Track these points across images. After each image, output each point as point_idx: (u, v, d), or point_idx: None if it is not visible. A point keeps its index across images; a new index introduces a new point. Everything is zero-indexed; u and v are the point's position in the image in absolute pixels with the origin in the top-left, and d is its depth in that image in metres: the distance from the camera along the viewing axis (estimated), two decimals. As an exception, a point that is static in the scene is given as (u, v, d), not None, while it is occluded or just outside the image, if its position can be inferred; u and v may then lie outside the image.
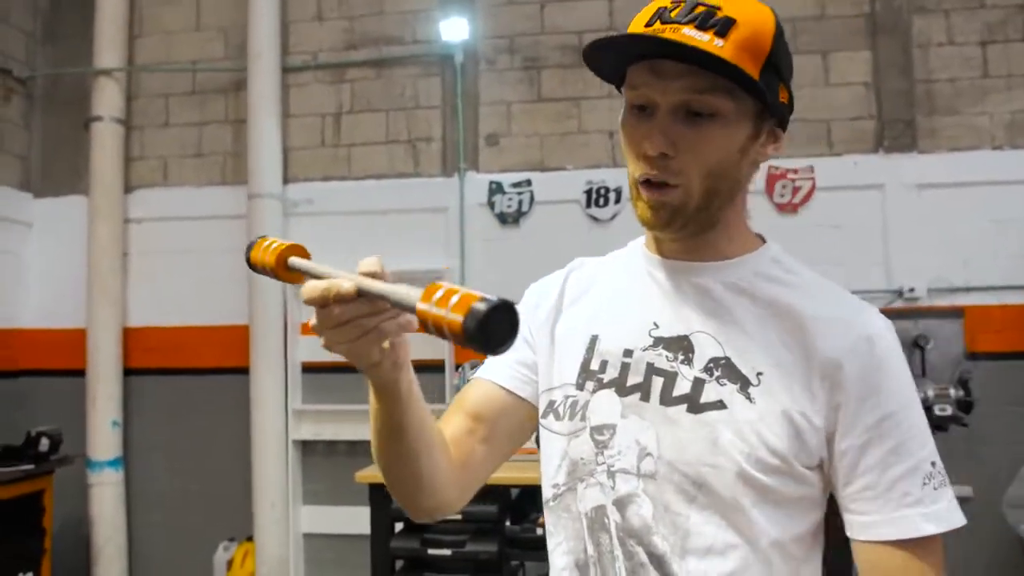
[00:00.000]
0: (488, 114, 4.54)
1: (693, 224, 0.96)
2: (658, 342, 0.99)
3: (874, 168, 4.21)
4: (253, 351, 4.45)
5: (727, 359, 0.94)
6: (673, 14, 0.90)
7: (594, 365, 1.01)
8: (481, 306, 0.61)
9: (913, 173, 4.18)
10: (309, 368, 4.47)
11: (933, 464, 0.92)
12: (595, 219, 4.38)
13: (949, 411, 3.59)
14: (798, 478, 0.93)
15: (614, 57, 0.94)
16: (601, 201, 4.39)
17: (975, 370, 3.83)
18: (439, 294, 0.64)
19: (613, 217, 4.36)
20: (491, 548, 3.21)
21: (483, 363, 1.12)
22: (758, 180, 4.18)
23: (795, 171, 4.23)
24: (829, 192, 4.23)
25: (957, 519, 0.91)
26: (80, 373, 4.66)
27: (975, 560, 3.76)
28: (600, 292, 1.09)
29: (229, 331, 4.53)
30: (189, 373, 4.65)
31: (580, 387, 1.01)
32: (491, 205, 4.45)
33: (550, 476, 1.03)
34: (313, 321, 0.79)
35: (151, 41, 5.00)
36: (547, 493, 1.04)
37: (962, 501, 0.94)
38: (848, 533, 0.95)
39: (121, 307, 4.75)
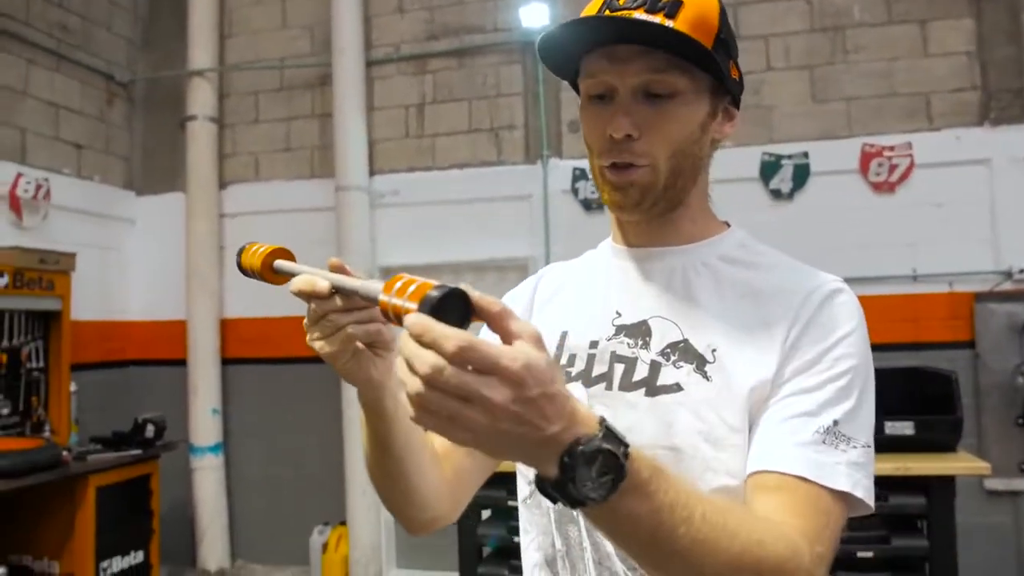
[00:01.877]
0: (570, 100, 4.50)
1: (661, 203, 0.96)
2: (620, 330, 0.99)
3: (979, 142, 3.99)
4: (343, 340, 4.55)
5: (685, 341, 0.94)
6: (621, 1, 0.91)
7: (564, 360, 1.01)
8: (434, 293, 0.62)
9: (1022, 146, 3.94)
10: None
11: (835, 423, 0.86)
12: (681, 203, 4.30)
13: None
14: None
15: (569, 46, 0.94)
16: (687, 185, 4.30)
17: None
18: (398, 284, 0.65)
19: (699, 201, 4.27)
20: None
21: None
22: (851, 159, 4.05)
23: (891, 148, 4.05)
24: (929, 169, 4.03)
25: (835, 481, 0.83)
26: (181, 363, 4.87)
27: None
28: (569, 291, 1.09)
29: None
30: (283, 362, 4.80)
31: None
32: (575, 192, 4.42)
33: (524, 474, 1.03)
34: (304, 323, 0.83)
35: (240, 41, 5.15)
36: (523, 491, 1.05)
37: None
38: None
39: (218, 299, 4.93)
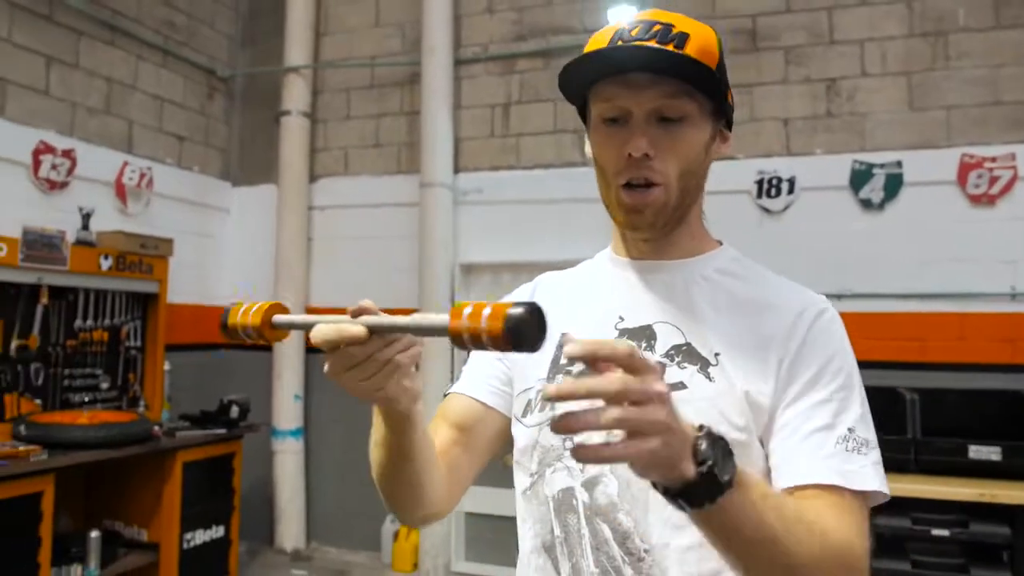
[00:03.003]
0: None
1: (670, 222, 1.04)
2: (623, 333, 1.04)
3: (1088, 155, 3.79)
4: (421, 334, 4.64)
5: (688, 344, 1.01)
6: (633, 33, 0.99)
7: (563, 360, 1.05)
8: (516, 311, 0.68)
9: None
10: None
11: (850, 430, 0.94)
12: (766, 210, 4.22)
13: None
14: (755, 452, 0.96)
15: (589, 74, 1.01)
16: (773, 191, 4.22)
17: None
18: (468, 310, 0.71)
19: (786, 208, 4.19)
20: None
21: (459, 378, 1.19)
22: (948, 169, 3.90)
23: (993, 159, 3.88)
24: (1033, 181, 3.85)
25: (864, 482, 0.91)
26: (268, 349, 5.05)
27: None
28: (568, 297, 1.14)
29: (399, 314, 4.73)
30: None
31: (550, 381, 1.06)
32: (657, 195, 4.39)
33: (525, 466, 1.08)
34: (327, 367, 0.80)
35: (335, 39, 5.30)
36: (523, 483, 1.08)
37: None
38: (774, 485, 0.95)
39: (304, 288, 5.10)
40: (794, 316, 0.99)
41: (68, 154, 4.16)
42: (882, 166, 4.04)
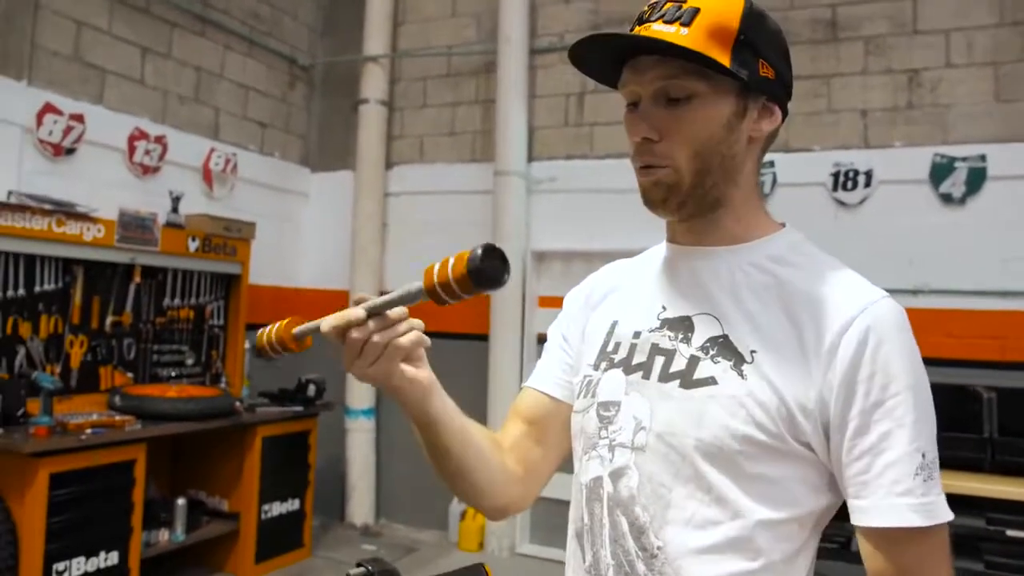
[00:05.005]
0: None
1: (692, 203, 0.99)
2: (664, 323, 1.02)
3: None
4: (493, 320, 4.73)
5: (725, 337, 0.96)
6: (648, 14, 0.97)
7: (610, 347, 1.06)
8: (475, 251, 0.77)
9: None
10: (545, 340, 4.65)
11: (924, 456, 0.88)
12: (842, 203, 4.17)
13: None
14: (791, 457, 0.91)
15: (601, 60, 1.00)
16: (849, 184, 4.16)
17: None
18: (436, 268, 0.80)
19: (862, 201, 4.13)
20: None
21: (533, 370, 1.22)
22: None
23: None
24: None
25: (945, 513, 0.88)
26: (343, 330, 5.19)
27: None
28: (627, 285, 1.14)
29: (473, 300, 4.81)
30: (435, 336, 5.00)
31: (596, 368, 1.07)
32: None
33: (575, 452, 1.09)
34: (343, 361, 0.92)
35: (412, 28, 5.40)
36: (574, 469, 1.09)
37: None
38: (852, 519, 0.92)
39: (378, 273, 5.23)
40: (844, 323, 0.90)
41: (160, 140, 4.36)
42: (964, 160, 3.94)
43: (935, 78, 4.05)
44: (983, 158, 3.91)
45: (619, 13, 4.75)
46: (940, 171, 3.99)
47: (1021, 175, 3.85)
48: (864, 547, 0.91)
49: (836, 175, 4.18)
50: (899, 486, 0.87)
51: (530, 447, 1.14)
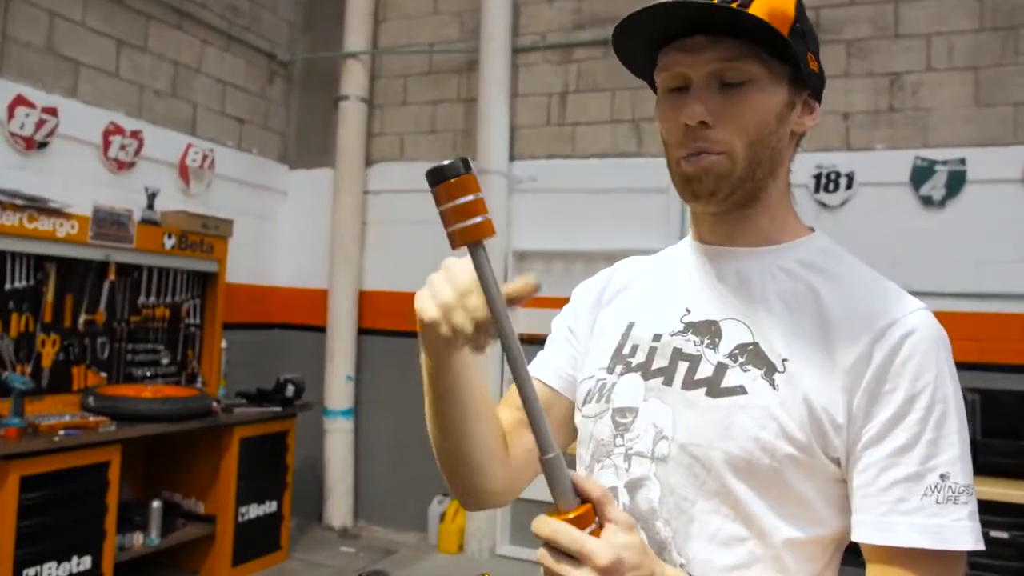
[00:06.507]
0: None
1: (738, 194, 0.93)
2: (688, 327, 0.97)
3: None
4: (473, 319, 4.69)
5: (755, 344, 0.91)
6: None
7: (626, 350, 1.00)
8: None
9: None
10: (526, 340, 4.59)
11: (943, 477, 0.81)
12: (824, 205, 4.18)
13: None
14: (820, 473, 0.86)
15: (636, 42, 0.93)
16: (831, 186, 4.17)
17: None
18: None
19: (843, 203, 4.14)
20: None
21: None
22: (1014, 167, 3.81)
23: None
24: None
25: (959, 540, 0.80)
26: (321, 329, 5.15)
27: None
28: (643, 284, 1.08)
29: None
30: (416, 336, 4.97)
31: (610, 371, 1.00)
32: (712, 187, 4.36)
33: (582, 457, 1.03)
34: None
35: (393, 25, 5.35)
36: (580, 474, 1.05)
37: None
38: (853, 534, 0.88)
39: (358, 271, 5.18)
40: (877, 333, 0.86)
41: (136, 135, 4.28)
42: (945, 163, 3.97)
43: (916, 82, 4.08)
44: (963, 161, 3.94)
45: (603, 13, 4.73)
46: (921, 174, 4.01)
47: (1000, 179, 3.88)
48: (867, 562, 0.86)
49: (818, 177, 4.19)
50: (905, 504, 0.81)
51: (524, 435, 1.05)
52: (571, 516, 0.75)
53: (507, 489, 1.08)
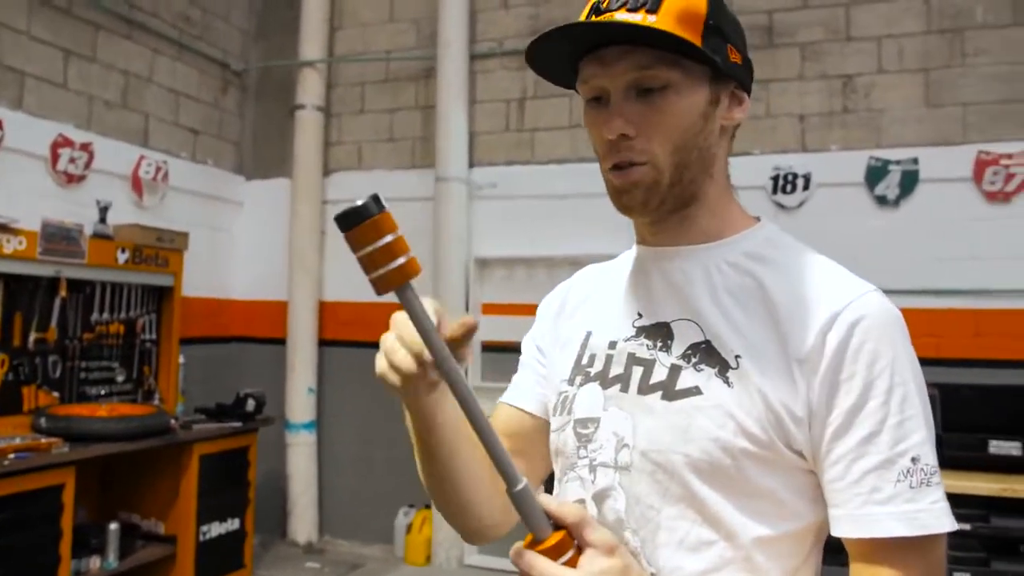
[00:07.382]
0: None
1: (669, 201, 0.93)
2: (640, 332, 0.96)
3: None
4: (436, 328, 4.65)
5: (707, 343, 0.90)
6: (605, 4, 0.90)
7: (584, 360, 1.00)
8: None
9: None
10: (490, 347, 4.60)
11: (915, 460, 0.81)
12: (781, 206, 4.23)
13: None
14: (784, 467, 0.85)
15: (556, 56, 0.93)
16: (788, 188, 4.22)
17: None
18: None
19: (800, 204, 4.19)
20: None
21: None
22: (964, 166, 3.90)
23: (1009, 156, 3.88)
24: (1050, 179, 3.85)
25: (937, 523, 0.80)
26: (281, 342, 5.06)
27: None
28: (600, 292, 1.07)
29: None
30: (368, 346, 4.92)
31: (571, 382, 1.00)
32: (672, 190, 4.39)
33: (556, 472, 1.03)
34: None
35: (349, 33, 5.31)
36: (555, 490, 1.04)
37: None
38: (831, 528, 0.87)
39: (318, 282, 5.11)
40: (827, 321, 0.84)
41: (86, 147, 4.17)
42: (898, 163, 4.04)
43: (868, 83, 4.15)
44: (915, 161, 4.01)
45: (560, 18, 4.73)
46: (875, 174, 4.08)
47: (951, 177, 3.96)
48: (850, 556, 0.85)
49: (776, 178, 4.24)
50: (879, 493, 0.81)
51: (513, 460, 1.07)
52: (546, 547, 0.74)
53: (505, 520, 1.07)
